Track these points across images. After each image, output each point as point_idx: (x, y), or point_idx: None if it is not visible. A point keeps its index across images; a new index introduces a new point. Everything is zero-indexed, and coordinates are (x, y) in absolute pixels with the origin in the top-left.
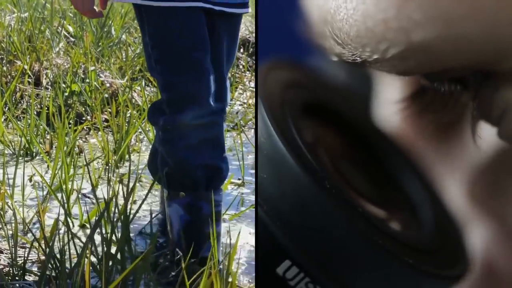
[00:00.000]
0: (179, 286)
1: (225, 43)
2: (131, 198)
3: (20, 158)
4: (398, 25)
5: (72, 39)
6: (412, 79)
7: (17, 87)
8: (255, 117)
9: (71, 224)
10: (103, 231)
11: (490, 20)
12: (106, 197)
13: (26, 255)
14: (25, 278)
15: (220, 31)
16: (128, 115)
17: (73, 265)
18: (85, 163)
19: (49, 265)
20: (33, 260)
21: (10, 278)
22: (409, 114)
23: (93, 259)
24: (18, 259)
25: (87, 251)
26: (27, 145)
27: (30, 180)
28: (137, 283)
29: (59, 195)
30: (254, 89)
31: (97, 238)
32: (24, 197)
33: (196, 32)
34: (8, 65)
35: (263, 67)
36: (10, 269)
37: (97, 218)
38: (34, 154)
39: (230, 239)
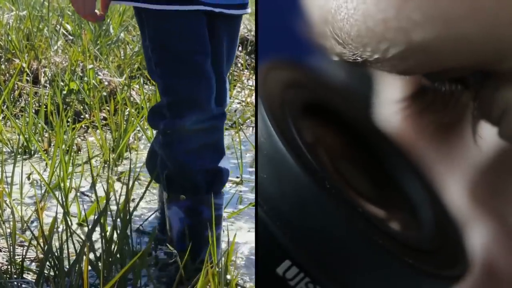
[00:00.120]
0: (176, 286)
1: (224, 44)
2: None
3: (18, 156)
4: (398, 25)
5: (71, 37)
6: (413, 79)
7: (16, 85)
8: (255, 117)
9: (69, 222)
10: (102, 229)
11: (490, 20)
12: (104, 195)
13: (24, 253)
14: (24, 276)
15: (220, 32)
16: (126, 113)
17: (71, 263)
18: (83, 161)
19: (48, 263)
20: (32, 258)
21: (8, 276)
22: (409, 114)
23: (92, 257)
24: (16, 257)
25: (86, 249)
26: (25, 143)
27: (29, 178)
28: (136, 280)
29: (57, 193)
30: (252, 88)
31: (96, 236)
32: (23, 195)
33: (196, 35)
34: (6, 63)
35: (263, 67)
36: (8, 267)
37: (96, 216)
38: (32, 152)
39: (228, 237)
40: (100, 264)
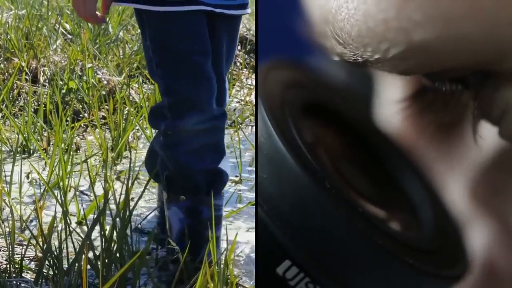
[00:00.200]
0: (175, 286)
1: (224, 44)
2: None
3: (17, 155)
4: (398, 25)
5: (70, 37)
6: (413, 79)
7: (15, 84)
8: (255, 117)
9: (68, 221)
10: (101, 228)
11: (490, 20)
12: (103, 194)
13: (23, 253)
14: (23, 275)
15: (220, 32)
16: (125, 112)
17: (70, 262)
18: (82, 160)
19: (47, 263)
20: (31, 257)
21: (7, 275)
22: (410, 114)
23: (91, 256)
24: (15, 256)
25: (85, 249)
26: (24, 142)
27: (28, 177)
28: (135, 280)
29: (56, 192)
30: (251, 87)
31: (95, 235)
32: (22, 194)
33: (196, 35)
34: (5, 62)
35: (263, 67)
36: (7, 266)
37: (95, 215)
38: (31, 151)
39: (227, 236)
40: (99, 263)
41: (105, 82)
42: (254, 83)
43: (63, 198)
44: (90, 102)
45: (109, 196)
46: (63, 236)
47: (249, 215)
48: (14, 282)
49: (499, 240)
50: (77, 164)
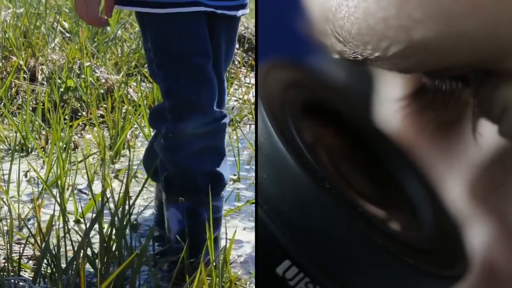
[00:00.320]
0: (172, 285)
1: (223, 44)
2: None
3: (15, 153)
4: (398, 23)
5: (68, 35)
6: (413, 77)
7: (13, 82)
8: (255, 117)
9: (66, 220)
10: (100, 227)
11: (491, 18)
12: (101, 193)
13: (21, 251)
14: (21, 274)
15: (219, 33)
16: (123, 110)
17: (68, 261)
18: (80, 158)
19: (45, 261)
20: (29, 256)
21: (5, 274)
22: (410, 112)
23: (89, 254)
24: (13, 255)
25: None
26: (22, 141)
27: (26, 175)
28: (133, 278)
29: (54, 190)
30: (249, 85)
31: (93, 233)
32: (20, 192)
33: (197, 37)
34: (3, 60)
35: (263, 67)
36: (5, 265)
37: (93, 213)
38: (29, 149)
39: (226, 234)
40: (97, 262)
41: (103, 80)
42: (252, 81)
43: (61, 197)
44: (88, 100)
45: (107, 195)
46: (61, 235)
47: (246, 214)
48: (12, 280)
49: (498, 239)
50: (75, 163)
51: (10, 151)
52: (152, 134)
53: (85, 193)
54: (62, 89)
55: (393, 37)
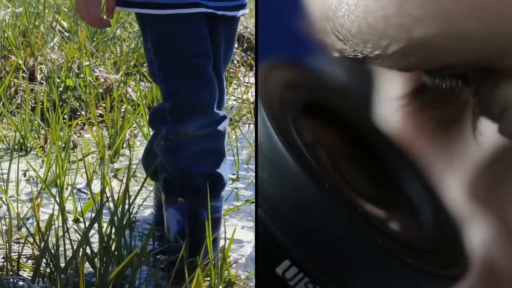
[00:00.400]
0: (172, 284)
1: (223, 45)
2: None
3: (14, 153)
4: (399, 21)
5: (67, 34)
6: (414, 75)
7: (12, 82)
8: (255, 117)
9: (65, 219)
10: (99, 226)
11: (491, 17)
12: (100, 192)
13: (20, 250)
14: (20, 273)
15: (219, 34)
16: (122, 110)
17: (67, 260)
18: (79, 158)
19: (44, 260)
20: (28, 255)
21: (4, 273)
22: (410, 111)
23: (88, 253)
24: (12, 254)
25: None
26: (21, 140)
27: (25, 175)
28: (133, 276)
29: (53, 190)
30: (248, 84)
31: (92, 232)
32: (19, 192)
33: (197, 38)
34: (2, 60)
35: (263, 67)
36: (4, 264)
37: (93, 213)
38: (28, 149)
39: (226, 233)
40: (96, 261)
41: (102, 80)
42: (251, 81)
43: (60, 196)
44: (87, 100)
45: (106, 194)
46: (60, 234)
47: (245, 213)
48: (11, 280)
49: (498, 238)
50: (74, 162)
51: (9, 151)
52: (151, 133)
53: (84, 193)
54: (61, 89)
55: (393, 35)
